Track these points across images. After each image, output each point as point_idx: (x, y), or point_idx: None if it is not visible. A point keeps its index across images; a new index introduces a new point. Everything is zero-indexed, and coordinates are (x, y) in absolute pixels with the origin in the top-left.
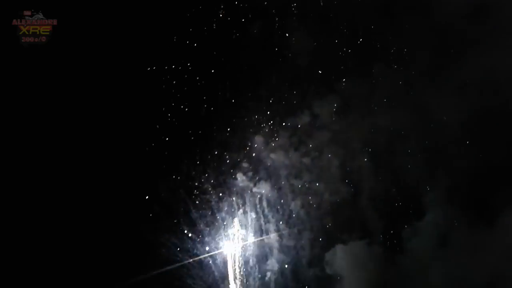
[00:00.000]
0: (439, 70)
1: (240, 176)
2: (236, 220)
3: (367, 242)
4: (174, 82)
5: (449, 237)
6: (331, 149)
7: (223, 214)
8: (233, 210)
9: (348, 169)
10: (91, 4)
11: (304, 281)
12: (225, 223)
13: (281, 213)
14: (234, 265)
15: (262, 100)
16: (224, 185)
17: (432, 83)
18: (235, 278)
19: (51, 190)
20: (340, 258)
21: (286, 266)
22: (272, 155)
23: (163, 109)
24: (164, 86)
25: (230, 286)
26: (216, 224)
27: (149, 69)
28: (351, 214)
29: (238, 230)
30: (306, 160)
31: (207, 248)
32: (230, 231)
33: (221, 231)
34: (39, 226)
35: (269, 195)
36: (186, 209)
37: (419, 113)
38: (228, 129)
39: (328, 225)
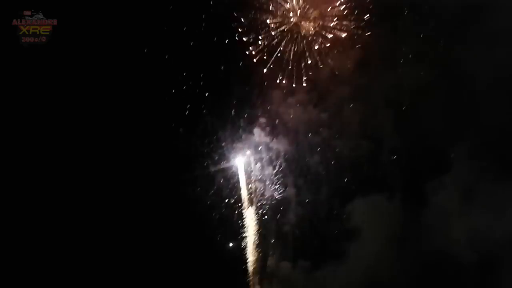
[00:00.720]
0: (468, 22)
1: (258, 131)
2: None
3: (388, 196)
4: (192, 39)
5: (474, 191)
6: (353, 104)
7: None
8: (250, 164)
9: (370, 124)
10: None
11: (322, 235)
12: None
13: (300, 168)
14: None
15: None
16: (242, 139)
17: (461, 36)
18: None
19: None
20: (359, 211)
21: (304, 219)
22: (291, 110)
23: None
24: (181, 44)
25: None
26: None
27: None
28: (372, 169)
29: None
30: (326, 115)
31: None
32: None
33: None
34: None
35: (288, 150)
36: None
37: (446, 67)
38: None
39: (348, 180)
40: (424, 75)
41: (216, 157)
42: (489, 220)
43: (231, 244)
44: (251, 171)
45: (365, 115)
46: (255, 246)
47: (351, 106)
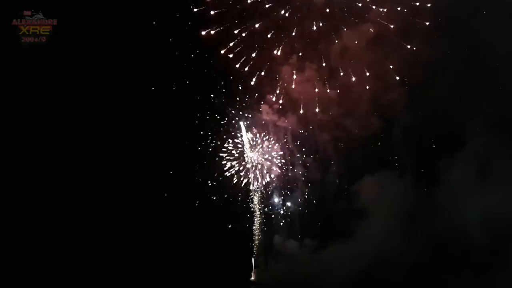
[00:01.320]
0: None
1: (265, 109)
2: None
3: (399, 174)
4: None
5: (490, 168)
6: (363, 81)
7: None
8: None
9: (382, 101)
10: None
11: (330, 214)
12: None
13: (308, 146)
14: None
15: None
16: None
17: (477, 9)
18: None
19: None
20: (369, 190)
21: (312, 198)
22: (300, 87)
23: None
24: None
25: None
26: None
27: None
28: (383, 147)
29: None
30: (336, 93)
31: None
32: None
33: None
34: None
35: (296, 129)
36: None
37: (462, 40)
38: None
39: (358, 158)
40: (438, 50)
41: (224, 136)
42: (504, 199)
43: (236, 224)
44: (259, 149)
45: (377, 92)
46: (261, 225)
47: (362, 83)
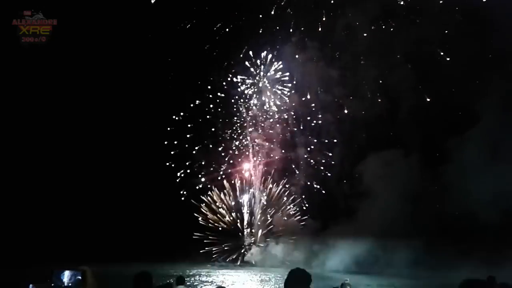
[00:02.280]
0: None
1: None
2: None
3: (405, 152)
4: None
5: (501, 146)
6: (369, 60)
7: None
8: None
9: (387, 79)
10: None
11: (333, 193)
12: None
13: (311, 126)
14: None
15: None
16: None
17: None
18: None
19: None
20: (373, 170)
21: (315, 177)
22: (304, 67)
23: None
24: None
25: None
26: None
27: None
28: (389, 126)
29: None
30: (340, 73)
31: None
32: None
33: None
34: None
35: (298, 109)
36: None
37: (474, 16)
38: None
39: (363, 138)
40: (448, 27)
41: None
42: None
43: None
44: (260, 130)
45: (383, 71)
46: (261, 204)
47: (367, 62)
